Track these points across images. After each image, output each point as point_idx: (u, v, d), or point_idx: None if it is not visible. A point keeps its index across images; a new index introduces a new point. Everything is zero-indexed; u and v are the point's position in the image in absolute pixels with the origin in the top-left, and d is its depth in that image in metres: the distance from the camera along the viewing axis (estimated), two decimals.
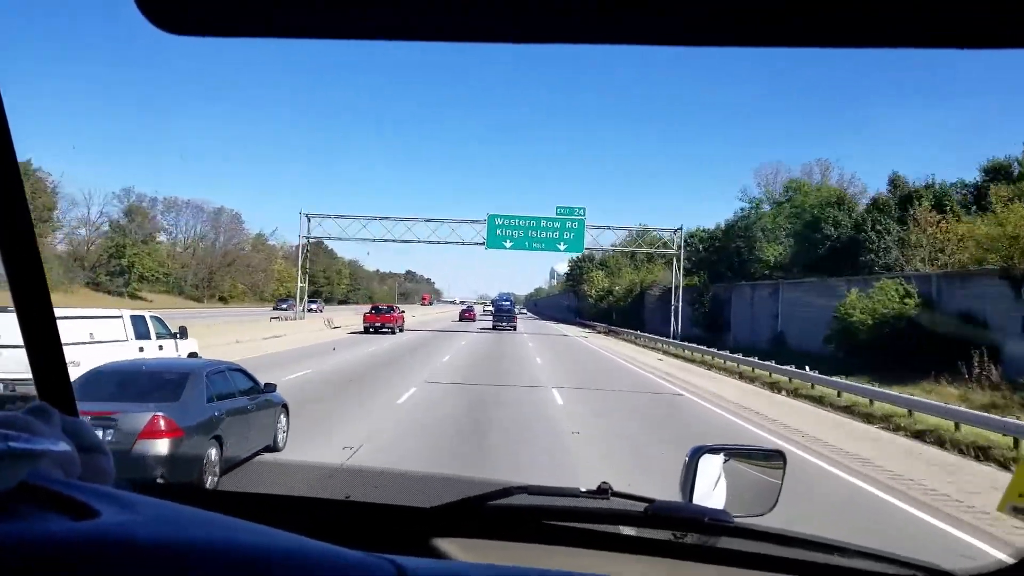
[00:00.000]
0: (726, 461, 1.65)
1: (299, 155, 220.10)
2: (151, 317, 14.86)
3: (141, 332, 14.02)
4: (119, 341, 12.85)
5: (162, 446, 6.58)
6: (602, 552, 1.34)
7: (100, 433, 6.36)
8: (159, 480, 6.59)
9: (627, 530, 1.39)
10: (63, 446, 0.61)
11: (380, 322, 40.79)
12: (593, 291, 74.10)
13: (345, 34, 0.59)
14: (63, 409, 0.70)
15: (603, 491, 1.43)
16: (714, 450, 1.64)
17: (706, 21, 0.57)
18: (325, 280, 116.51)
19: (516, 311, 60.00)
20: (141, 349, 13.33)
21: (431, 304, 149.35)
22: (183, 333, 15.94)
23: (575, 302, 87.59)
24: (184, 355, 14.88)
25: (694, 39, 0.60)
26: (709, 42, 0.60)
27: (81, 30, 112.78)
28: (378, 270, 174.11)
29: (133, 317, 13.98)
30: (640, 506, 1.36)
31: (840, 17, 0.56)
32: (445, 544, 1.30)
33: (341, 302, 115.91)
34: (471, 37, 0.61)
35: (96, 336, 12.13)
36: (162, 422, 6.62)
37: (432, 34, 0.61)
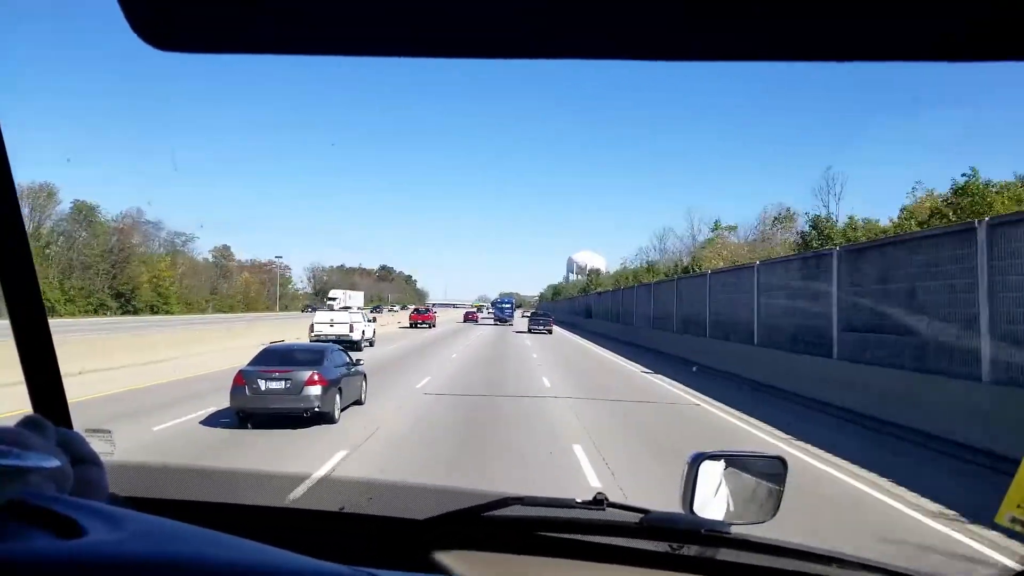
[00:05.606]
0: (726, 468, 1.60)
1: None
2: (364, 309, 35.15)
3: (365, 317, 33.30)
4: (363, 321, 31.40)
5: (317, 389, 11.47)
6: (598, 564, 1.34)
7: (280, 384, 11.30)
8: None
9: (625, 542, 1.37)
10: (55, 461, 0.61)
11: (421, 320, 59.48)
12: None
13: (331, 51, 0.59)
14: (57, 421, 0.72)
15: (599, 502, 1.42)
16: (714, 457, 1.60)
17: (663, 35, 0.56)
18: None
19: (533, 315, 59.69)
20: (368, 322, 32.51)
21: None
22: (375, 319, 35.05)
23: None
24: (373, 329, 33.05)
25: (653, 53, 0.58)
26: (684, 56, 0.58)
27: (69, 39, 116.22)
28: (254, 259, 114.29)
29: (361, 310, 33.31)
30: (636, 517, 1.36)
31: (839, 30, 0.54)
32: (440, 556, 1.31)
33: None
34: (464, 53, 0.60)
35: (353, 317, 31.63)
36: (316, 376, 11.51)
37: (423, 50, 0.59)
